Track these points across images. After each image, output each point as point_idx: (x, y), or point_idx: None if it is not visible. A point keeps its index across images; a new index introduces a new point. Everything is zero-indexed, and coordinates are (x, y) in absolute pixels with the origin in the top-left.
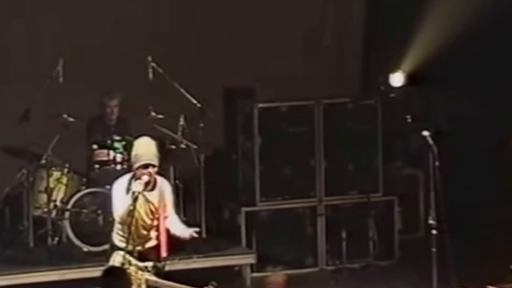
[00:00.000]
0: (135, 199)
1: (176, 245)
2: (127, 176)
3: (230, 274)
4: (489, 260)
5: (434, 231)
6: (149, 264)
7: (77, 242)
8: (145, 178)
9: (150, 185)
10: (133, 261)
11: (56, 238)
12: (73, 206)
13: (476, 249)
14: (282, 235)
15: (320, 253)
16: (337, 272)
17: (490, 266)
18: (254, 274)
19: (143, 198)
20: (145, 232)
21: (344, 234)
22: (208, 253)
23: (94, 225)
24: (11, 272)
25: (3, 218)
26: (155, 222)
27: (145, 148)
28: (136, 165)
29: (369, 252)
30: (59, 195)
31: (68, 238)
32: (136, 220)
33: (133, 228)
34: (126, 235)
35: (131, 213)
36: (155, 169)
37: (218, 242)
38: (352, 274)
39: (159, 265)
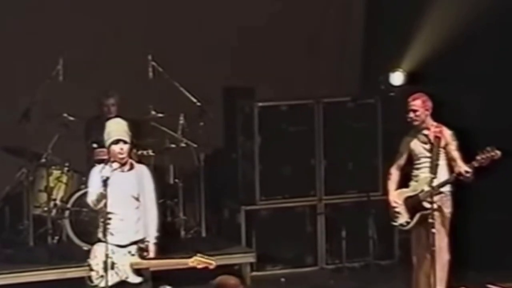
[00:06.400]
0: (105, 184)
1: (176, 244)
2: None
3: (229, 273)
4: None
5: (433, 230)
6: (133, 247)
7: (77, 241)
8: (116, 165)
9: (126, 167)
10: (116, 248)
11: (56, 237)
12: (73, 205)
13: (476, 248)
14: (282, 234)
15: (320, 252)
16: (337, 271)
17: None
18: (254, 273)
19: (119, 181)
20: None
21: (344, 233)
22: (207, 252)
23: (94, 224)
24: (11, 271)
25: (3, 217)
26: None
27: (115, 126)
28: (107, 142)
29: (369, 251)
30: (59, 194)
31: (68, 237)
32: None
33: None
34: (103, 223)
35: (102, 198)
36: (127, 146)
37: (218, 241)
38: (352, 273)
39: (142, 246)
